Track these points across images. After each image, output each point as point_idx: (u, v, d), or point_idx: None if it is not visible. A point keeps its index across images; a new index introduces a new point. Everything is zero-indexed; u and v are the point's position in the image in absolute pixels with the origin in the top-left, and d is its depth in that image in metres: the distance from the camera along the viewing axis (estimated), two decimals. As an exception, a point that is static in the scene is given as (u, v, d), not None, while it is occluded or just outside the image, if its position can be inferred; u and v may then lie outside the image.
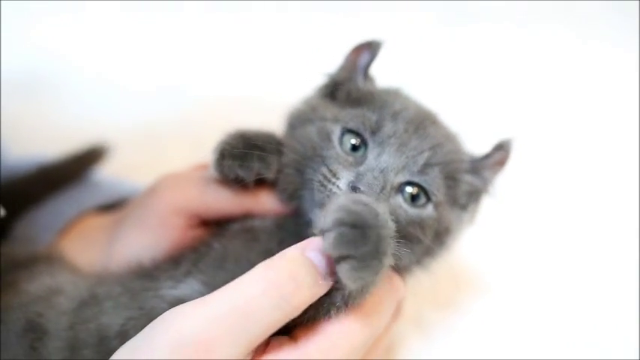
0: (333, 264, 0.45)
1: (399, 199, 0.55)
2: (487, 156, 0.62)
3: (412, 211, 0.55)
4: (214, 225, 0.61)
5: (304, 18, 1.23)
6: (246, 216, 0.60)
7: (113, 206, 0.74)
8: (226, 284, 0.45)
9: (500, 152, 0.61)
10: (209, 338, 0.43)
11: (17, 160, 0.80)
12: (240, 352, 0.44)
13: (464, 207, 0.62)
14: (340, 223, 0.44)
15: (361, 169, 0.54)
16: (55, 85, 1.05)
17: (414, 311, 0.75)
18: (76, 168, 0.79)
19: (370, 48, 0.62)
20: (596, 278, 0.86)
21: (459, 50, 1.27)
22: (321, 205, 0.53)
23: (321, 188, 0.53)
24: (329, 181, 0.53)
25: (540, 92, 1.21)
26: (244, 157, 0.56)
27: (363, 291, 0.48)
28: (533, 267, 0.86)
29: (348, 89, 0.62)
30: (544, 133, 1.11)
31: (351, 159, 0.56)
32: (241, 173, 0.56)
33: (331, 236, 0.44)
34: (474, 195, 0.63)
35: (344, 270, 0.44)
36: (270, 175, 0.58)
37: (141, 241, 0.61)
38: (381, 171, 0.54)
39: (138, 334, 0.46)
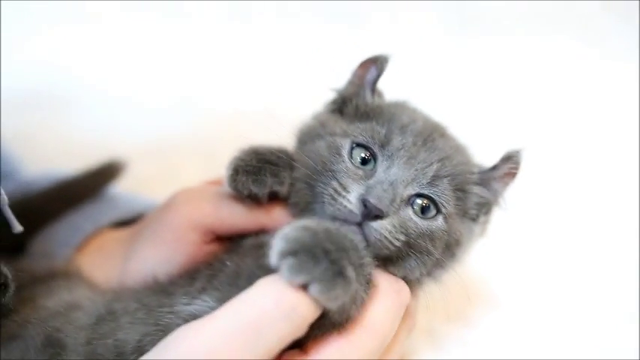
0: None
1: (409, 212, 0.56)
2: (495, 167, 0.62)
3: (422, 223, 0.56)
4: (228, 240, 0.62)
5: (314, 32, 1.24)
6: (260, 231, 0.61)
7: (130, 222, 0.75)
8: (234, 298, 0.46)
9: (509, 163, 0.62)
10: (220, 353, 0.44)
11: (33, 176, 0.82)
12: None
13: (474, 219, 0.63)
14: (285, 254, 0.46)
15: (371, 182, 0.55)
16: (68, 101, 1.06)
17: (426, 324, 0.75)
18: (92, 184, 0.80)
19: (377, 63, 0.63)
20: (591, 281, 0.86)
21: (467, 61, 1.27)
22: (333, 218, 0.53)
23: (332, 202, 0.54)
24: (339, 194, 0.54)
25: (547, 102, 1.22)
26: (257, 173, 0.57)
27: (350, 304, 0.49)
28: (543, 280, 0.86)
29: (356, 104, 0.63)
30: (553, 142, 1.11)
31: (360, 172, 0.57)
32: (255, 189, 0.57)
33: (283, 269, 0.45)
34: (485, 207, 0.63)
35: (314, 294, 0.45)
36: (283, 190, 0.59)
37: (156, 256, 0.62)
38: (391, 184, 0.55)
39: (151, 351, 0.47)
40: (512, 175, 0.62)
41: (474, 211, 0.62)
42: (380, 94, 0.66)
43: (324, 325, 0.49)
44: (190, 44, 1.21)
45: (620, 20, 1.32)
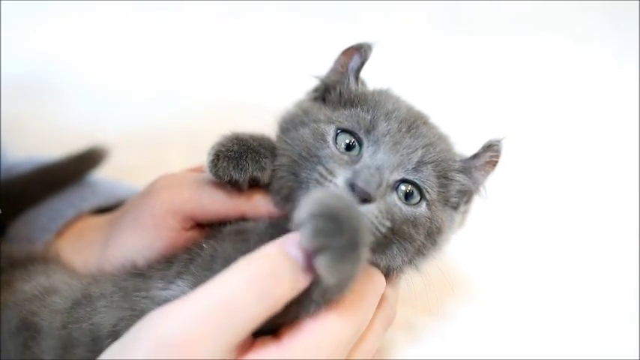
0: (311, 260, 0.46)
1: (394, 197, 0.56)
2: (476, 155, 0.63)
3: (406, 209, 0.56)
4: (209, 227, 0.62)
5: (302, 24, 1.24)
6: (241, 218, 0.60)
7: (111, 208, 0.74)
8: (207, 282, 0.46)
9: (490, 152, 0.62)
10: (192, 336, 0.43)
11: (16, 160, 0.81)
12: (224, 349, 0.44)
13: (455, 207, 0.63)
14: (315, 215, 0.45)
15: (357, 166, 0.55)
16: (55, 88, 1.06)
17: (405, 317, 0.75)
18: (74, 169, 0.79)
19: (361, 51, 0.63)
20: (591, 281, 0.87)
21: (459, 59, 1.28)
22: None
23: (318, 186, 0.54)
24: (326, 179, 0.54)
25: (539, 101, 1.22)
26: (239, 159, 0.57)
27: (341, 286, 0.49)
28: (524, 273, 0.87)
29: (340, 91, 0.63)
30: (538, 138, 1.12)
31: (346, 158, 0.56)
32: (235, 175, 0.57)
33: (307, 229, 0.45)
34: (466, 195, 0.64)
35: (321, 262, 0.45)
36: (264, 177, 0.58)
37: (135, 242, 0.62)
38: (377, 168, 0.55)
39: (123, 336, 0.46)
40: (492, 163, 0.63)
41: (455, 199, 0.62)
42: (363, 83, 0.66)
43: (301, 307, 0.49)
44: (176, 36, 1.21)
45: (614, 19, 1.33)
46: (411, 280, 0.62)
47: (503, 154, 0.62)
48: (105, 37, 1.17)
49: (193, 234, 0.62)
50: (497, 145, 0.62)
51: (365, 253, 0.47)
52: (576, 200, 1.01)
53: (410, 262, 0.59)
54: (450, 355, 0.74)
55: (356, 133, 0.58)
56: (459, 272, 0.83)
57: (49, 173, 0.78)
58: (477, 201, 0.65)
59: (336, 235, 0.45)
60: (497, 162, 0.63)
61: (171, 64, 1.15)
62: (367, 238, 0.48)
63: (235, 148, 0.58)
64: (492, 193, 0.64)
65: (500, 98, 1.21)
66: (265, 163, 0.58)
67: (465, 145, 0.65)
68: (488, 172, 0.63)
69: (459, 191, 0.62)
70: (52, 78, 1.08)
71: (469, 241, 0.72)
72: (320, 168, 0.55)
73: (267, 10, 1.25)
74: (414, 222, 0.56)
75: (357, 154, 0.57)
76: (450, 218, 0.62)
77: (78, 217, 0.73)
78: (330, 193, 0.47)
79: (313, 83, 0.67)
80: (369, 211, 0.53)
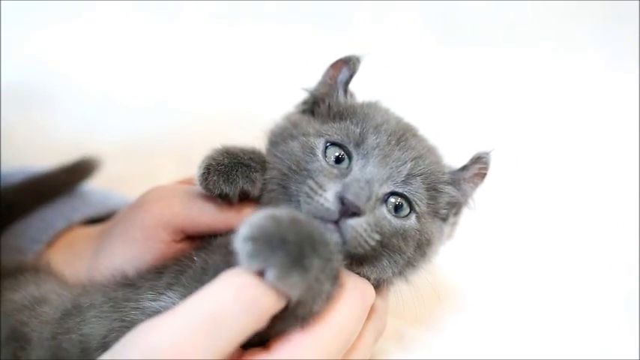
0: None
1: (383, 210, 0.56)
2: (465, 167, 0.64)
3: (396, 221, 0.56)
4: (199, 239, 0.62)
5: (295, 34, 1.24)
6: (232, 231, 0.61)
7: (103, 219, 0.74)
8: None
9: (479, 164, 0.63)
10: (180, 348, 0.44)
11: (7, 170, 0.81)
12: (211, 356, 0.44)
13: (444, 219, 0.64)
14: (245, 240, 0.46)
15: (347, 180, 0.55)
16: (47, 98, 1.06)
17: (394, 327, 0.75)
18: (65, 180, 0.79)
19: (349, 63, 0.64)
20: (589, 283, 0.89)
21: (452, 66, 1.28)
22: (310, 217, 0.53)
23: (309, 200, 0.54)
24: (316, 192, 0.54)
25: (531, 108, 1.23)
26: (229, 173, 0.57)
27: (314, 297, 0.49)
28: (514, 282, 0.88)
29: (329, 104, 0.64)
30: (532, 148, 1.13)
31: (335, 171, 0.57)
32: (226, 189, 0.57)
33: (241, 254, 0.46)
34: (454, 207, 0.64)
35: (270, 279, 0.45)
36: (254, 190, 0.58)
37: (125, 253, 0.62)
38: (367, 181, 0.55)
39: (112, 348, 0.47)
40: (481, 175, 0.63)
41: (444, 211, 0.63)
42: (352, 95, 0.66)
43: (287, 321, 0.49)
44: (171, 48, 1.21)
45: (609, 28, 1.33)
46: (400, 292, 0.62)
47: (496, 164, 0.62)
48: (98, 47, 1.17)
49: (184, 246, 0.62)
50: (485, 157, 0.62)
51: (314, 262, 0.47)
52: (570, 208, 1.02)
53: (400, 273, 0.60)
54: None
55: (345, 147, 0.59)
56: (449, 283, 0.84)
57: (41, 183, 0.78)
58: (465, 213, 0.66)
59: (271, 252, 0.46)
60: (485, 174, 0.63)
61: (164, 75, 1.15)
62: (319, 246, 0.48)
63: (226, 161, 0.58)
64: (485, 204, 0.65)
65: (494, 108, 1.22)
66: (255, 177, 0.58)
67: (458, 156, 0.65)
68: (476, 184, 0.64)
69: (448, 203, 0.63)
70: (44, 88, 1.08)
71: (458, 253, 0.72)
72: (310, 182, 0.55)
73: (261, 22, 1.26)
74: (403, 234, 0.57)
75: (347, 167, 0.58)
76: (439, 230, 0.63)
77: (69, 227, 0.73)
78: (265, 213, 0.48)
79: (304, 95, 0.68)
80: (359, 224, 0.53)
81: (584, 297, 0.87)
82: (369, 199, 0.54)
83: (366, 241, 0.54)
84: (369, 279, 0.57)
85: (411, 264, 0.60)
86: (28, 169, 0.81)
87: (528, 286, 0.87)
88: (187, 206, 0.60)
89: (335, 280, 0.51)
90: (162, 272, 0.58)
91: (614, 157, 1.14)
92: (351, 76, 0.64)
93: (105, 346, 0.51)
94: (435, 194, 0.61)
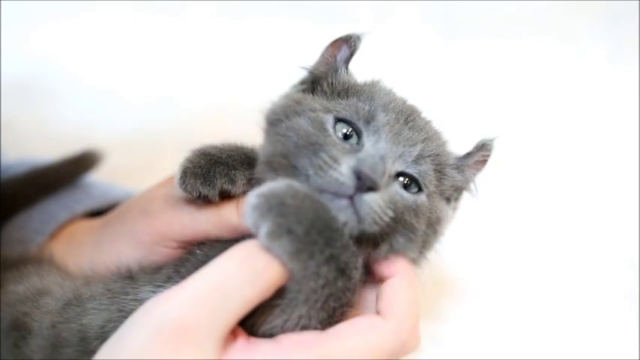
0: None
1: (396, 187, 0.55)
2: (469, 154, 0.63)
3: (408, 196, 0.55)
4: None
5: (297, 29, 1.24)
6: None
7: (105, 211, 0.74)
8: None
9: (483, 151, 0.63)
10: (188, 319, 0.44)
11: (10, 162, 0.81)
12: (219, 331, 0.45)
13: (448, 200, 0.63)
14: (253, 196, 0.48)
15: (361, 155, 0.53)
16: (50, 91, 1.06)
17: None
18: (68, 172, 0.80)
19: (349, 42, 0.62)
20: (589, 280, 0.88)
21: (454, 61, 1.27)
22: (321, 191, 0.51)
23: (321, 173, 0.52)
24: (330, 166, 0.52)
25: (532, 101, 1.22)
26: (206, 175, 0.56)
27: (318, 282, 0.48)
28: (518, 273, 0.88)
29: (331, 82, 0.62)
30: (533, 141, 1.12)
31: (347, 147, 0.55)
32: (204, 191, 0.56)
33: (246, 206, 0.48)
34: (457, 192, 0.64)
35: (262, 236, 0.47)
36: (235, 190, 0.57)
37: (131, 254, 0.62)
38: (382, 157, 0.54)
39: (123, 324, 0.47)
40: (483, 162, 0.63)
41: (449, 192, 0.62)
42: (351, 74, 0.65)
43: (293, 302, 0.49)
44: (174, 41, 1.21)
45: (611, 22, 1.32)
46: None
47: (499, 154, 0.62)
48: (100, 40, 1.17)
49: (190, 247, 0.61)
50: (489, 144, 0.62)
51: (306, 232, 0.47)
52: (574, 200, 1.01)
53: (421, 253, 0.58)
54: (443, 355, 0.74)
55: (354, 123, 0.57)
56: (453, 274, 0.83)
57: (43, 175, 0.78)
58: (469, 203, 0.66)
59: (269, 211, 0.47)
60: (487, 160, 0.63)
61: (167, 68, 1.15)
62: (327, 229, 0.48)
63: (202, 163, 0.56)
64: (487, 195, 0.65)
65: (496, 101, 1.21)
66: (235, 175, 0.57)
67: (461, 149, 0.65)
68: (478, 170, 0.64)
69: (452, 186, 0.62)
70: (47, 80, 1.08)
71: (462, 243, 0.72)
72: (323, 155, 0.52)
73: (264, 17, 1.25)
74: (415, 210, 0.55)
75: (357, 144, 0.56)
76: (446, 210, 0.62)
77: (71, 219, 0.73)
78: (287, 181, 0.49)
79: (302, 74, 0.66)
80: (374, 200, 0.51)
81: (586, 292, 0.86)
82: (383, 174, 0.53)
83: (381, 218, 0.52)
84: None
85: (427, 242, 0.58)
86: (31, 160, 0.81)
87: (532, 278, 0.87)
88: (194, 219, 0.59)
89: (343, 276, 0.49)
90: (161, 266, 0.58)
91: (616, 151, 1.13)
92: (351, 55, 0.63)
93: (103, 335, 0.52)
94: (441, 176, 0.60)
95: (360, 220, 0.51)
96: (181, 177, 0.56)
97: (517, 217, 0.97)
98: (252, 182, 0.57)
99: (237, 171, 0.57)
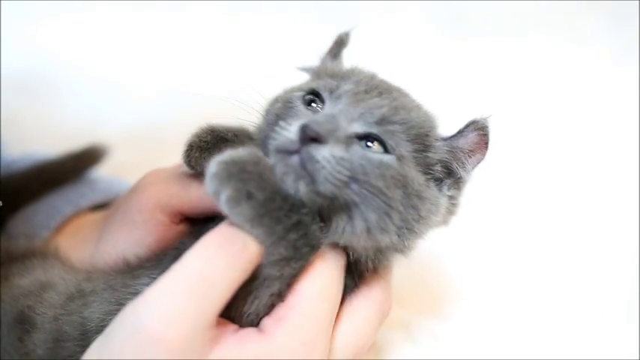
0: None
1: (356, 148, 0.53)
2: (460, 132, 0.59)
3: (371, 155, 0.53)
4: (200, 221, 0.61)
5: (300, 25, 1.24)
6: None
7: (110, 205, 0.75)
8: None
9: (477, 131, 0.58)
10: (171, 312, 0.44)
11: (15, 157, 0.81)
12: (204, 319, 0.45)
13: (440, 180, 0.59)
14: (214, 163, 0.49)
15: (315, 116, 0.55)
16: (54, 85, 1.06)
17: (400, 317, 0.75)
18: (74, 167, 0.80)
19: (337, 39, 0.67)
20: (590, 280, 0.87)
21: (457, 60, 1.27)
22: (276, 152, 0.52)
23: (276, 136, 0.52)
24: (283, 128, 0.53)
25: (535, 99, 1.21)
26: (211, 150, 0.57)
27: (285, 246, 0.49)
28: (520, 272, 0.87)
29: (317, 71, 0.66)
30: (536, 139, 1.11)
31: (309, 113, 0.57)
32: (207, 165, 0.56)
33: (207, 176, 0.49)
34: (452, 177, 0.59)
35: (222, 203, 0.48)
36: None
37: (127, 238, 0.62)
38: (333, 115, 0.54)
39: (102, 334, 0.47)
40: (482, 147, 0.58)
41: (437, 169, 0.58)
42: (341, 61, 0.68)
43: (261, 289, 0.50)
44: (179, 34, 1.21)
45: (614, 21, 1.31)
46: (407, 280, 0.62)
47: (501, 153, 0.58)
48: (105, 34, 1.17)
49: (184, 227, 0.62)
50: (481, 122, 0.57)
51: (265, 200, 0.48)
52: (575, 200, 1.01)
53: (398, 236, 0.54)
54: (445, 354, 0.74)
55: (320, 94, 0.58)
56: (455, 272, 0.83)
57: (48, 170, 0.78)
58: (470, 200, 0.64)
59: (229, 179, 0.48)
60: (487, 144, 0.58)
61: (172, 61, 1.15)
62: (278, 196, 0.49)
63: (208, 139, 0.58)
64: (489, 195, 0.64)
65: (501, 99, 1.21)
66: None
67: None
68: (478, 157, 0.58)
69: (440, 161, 0.58)
70: (51, 75, 1.08)
71: (464, 241, 0.72)
72: (281, 122, 0.53)
73: (267, 10, 1.26)
74: (381, 170, 0.52)
75: (320, 110, 0.57)
76: (434, 193, 0.57)
77: (76, 213, 0.74)
78: (240, 151, 0.50)
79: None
80: (320, 153, 0.50)
81: (586, 292, 0.86)
82: (332, 130, 0.51)
83: (333, 175, 0.50)
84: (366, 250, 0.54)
85: (408, 224, 0.54)
86: (36, 155, 0.81)
87: (532, 277, 0.86)
88: (184, 188, 0.60)
89: (311, 247, 0.51)
90: (160, 260, 0.58)
91: (619, 151, 1.12)
92: (339, 48, 0.67)
93: (102, 328, 0.51)
94: (421, 148, 0.56)
95: (312, 178, 0.50)
96: (187, 150, 0.57)
97: (518, 216, 0.96)
98: None
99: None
